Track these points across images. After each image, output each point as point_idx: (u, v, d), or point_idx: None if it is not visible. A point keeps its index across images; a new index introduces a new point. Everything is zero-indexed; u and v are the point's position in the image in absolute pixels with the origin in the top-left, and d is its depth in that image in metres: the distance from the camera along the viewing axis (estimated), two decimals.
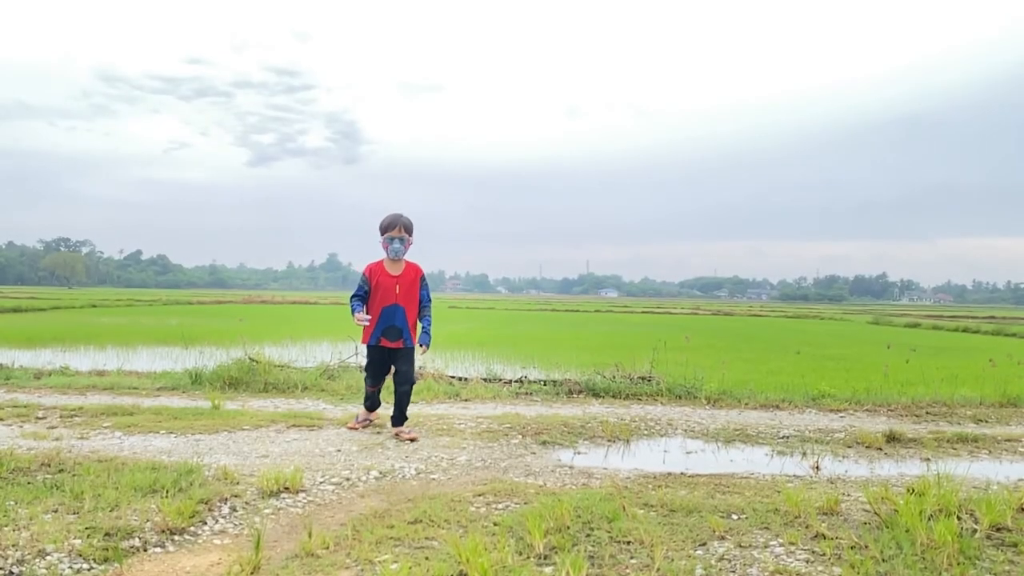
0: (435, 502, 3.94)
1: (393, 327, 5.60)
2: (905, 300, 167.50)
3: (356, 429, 5.86)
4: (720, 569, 3.05)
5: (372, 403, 5.99)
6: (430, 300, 5.82)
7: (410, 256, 5.80)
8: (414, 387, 6.02)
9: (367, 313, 5.61)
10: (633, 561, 3.11)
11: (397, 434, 5.63)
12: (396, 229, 5.55)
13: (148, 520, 3.46)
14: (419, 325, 5.75)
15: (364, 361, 9.57)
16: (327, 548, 3.25)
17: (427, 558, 3.11)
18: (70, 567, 2.96)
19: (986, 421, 7.20)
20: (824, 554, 3.22)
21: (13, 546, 3.08)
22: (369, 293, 5.63)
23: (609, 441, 5.94)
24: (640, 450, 5.72)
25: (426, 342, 5.67)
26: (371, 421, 6.01)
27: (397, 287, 5.59)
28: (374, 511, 3.83)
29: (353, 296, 5.69)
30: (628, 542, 3.31)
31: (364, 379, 5.89)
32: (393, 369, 5.74)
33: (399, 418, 5.74)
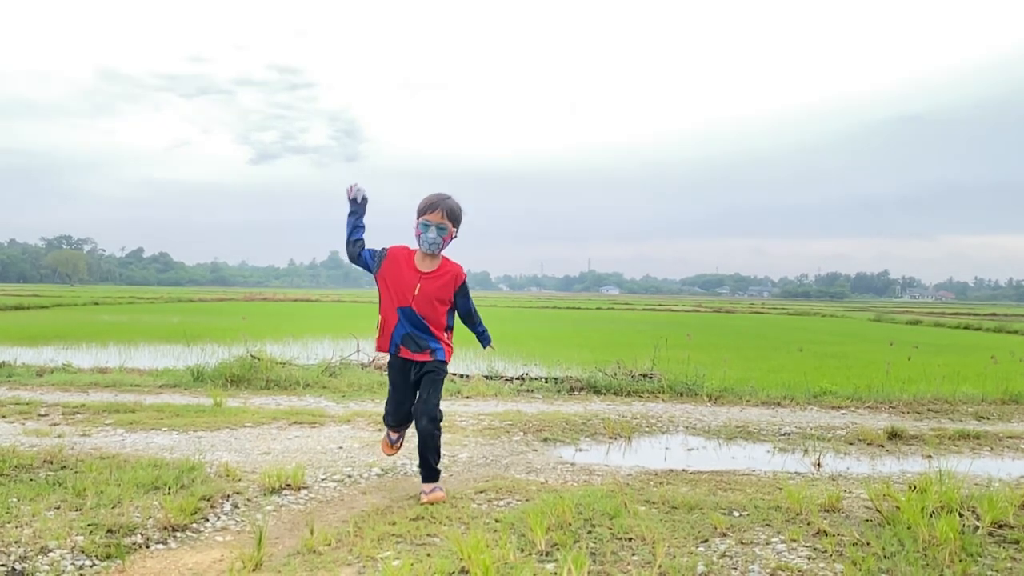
0: None
1: (414, 334, 4.10)
2: (907, 297, 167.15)
3: (394, 452, 4.59)
4: (722, 566, 3.05)
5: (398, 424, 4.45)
6: (478, 319, 4.40)
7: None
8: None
9: (380, 326, 4.19)
10: (635, 558, 3.11)
11: (419, 496, 4.08)
12: (436, 213, 4.01)
13: (150, 517, 3.46)
14: (462, 332, 4.42)
15: (366, 358, 9.63)
16: (329, 545, 3.25)
17: (429, 555, 3.11)
18: (72, 563, 2.96)
19: (988, 418, 7.20)
20: (826, 551, 3.22)
21: (16, 543, 3.09)
22: (377, 268, 4.12)
23: (610, 438, 5.94)
24: (642, 447, 5.72)
25: (490, 339, 4.53)
26: (403, 436, 4.55)
27: (418, 286, 4.05)
28: (376, 508, 3.83)
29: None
30: (630, 539, 3.31)
31: (384, 416, 4.41)
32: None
33: (426, 471, 4.10)
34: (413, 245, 4.14)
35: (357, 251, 4.12)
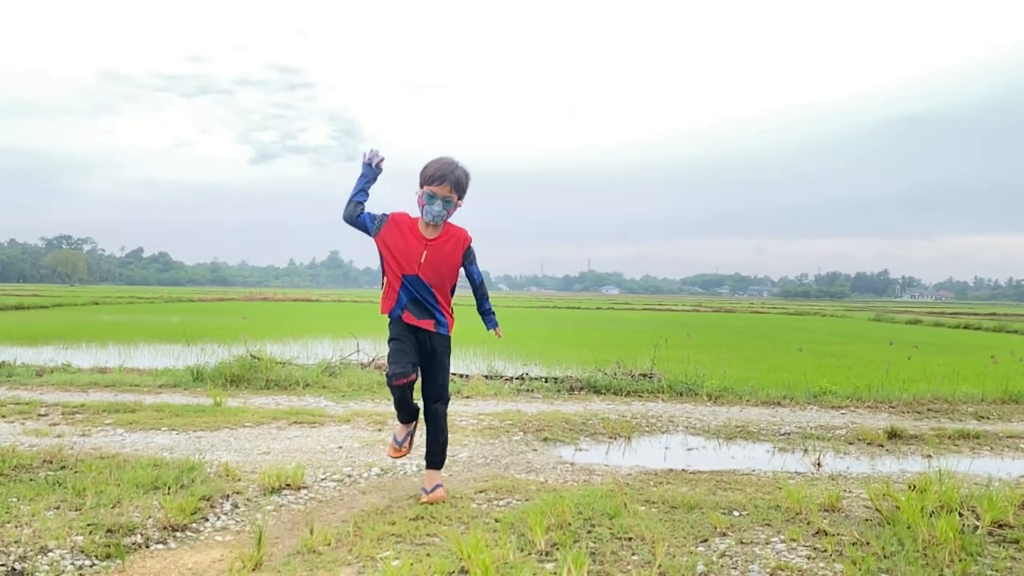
0: None
1: (419, 300, 3.98)
2: (907, 297, 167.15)
3: (401, 455, 4.34)
4: (722, 566, 3.05)
5: (405, 411, 4.20)
6: (486, 293, 4.32)
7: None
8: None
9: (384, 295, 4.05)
10: (635, 558, 3.11)
11: (419, 495, 4.06)
12: (444, 186, 3.86)
13: (150, 517, 3.46)
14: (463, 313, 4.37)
15: (366, 358, 9.59)
16: (329, 545, 3.25)
17: (428, 555, 3.11)
18: (72, 563, 2.96)
19: (988, 418, 7.20)
20: (826, 551, 3.22)
21: (15, 542, 3.09)
22: (376, 231, 3.99)
23: (610, 438, 5.94)
24: (641, 447, 5.72)
25: (497, 323, 4.35)
26: (412, 436, 4.32)
27: (424, 254, 3.92)
28: (376, 508, 3.83)
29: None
30: (630, 539, 3.31)
31: (386, 373, 4.08)
32: (421, 376, 4.11)
33: (433, 457, 4.12)
34: (415, 213, 4.00)
35: (357, 212, 3.99)
